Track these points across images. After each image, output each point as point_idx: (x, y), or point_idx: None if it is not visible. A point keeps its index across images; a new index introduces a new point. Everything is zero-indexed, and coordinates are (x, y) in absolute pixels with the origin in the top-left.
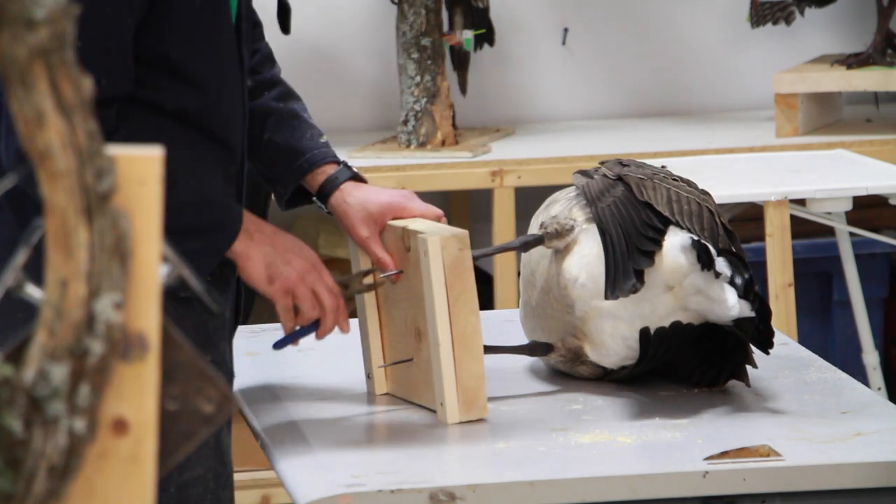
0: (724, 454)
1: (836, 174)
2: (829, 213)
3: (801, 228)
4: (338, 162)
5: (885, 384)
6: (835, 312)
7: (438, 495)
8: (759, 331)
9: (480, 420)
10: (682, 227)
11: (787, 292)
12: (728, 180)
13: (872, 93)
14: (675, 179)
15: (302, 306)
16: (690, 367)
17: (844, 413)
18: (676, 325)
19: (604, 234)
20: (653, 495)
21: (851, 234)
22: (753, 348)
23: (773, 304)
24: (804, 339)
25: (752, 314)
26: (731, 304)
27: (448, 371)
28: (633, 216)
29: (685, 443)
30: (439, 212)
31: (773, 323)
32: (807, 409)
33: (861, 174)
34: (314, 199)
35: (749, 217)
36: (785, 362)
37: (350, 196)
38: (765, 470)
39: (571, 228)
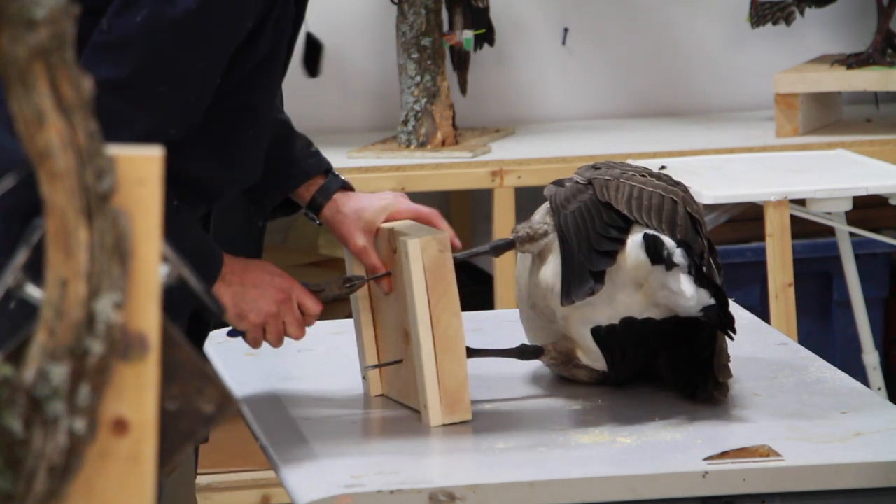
0: (723, 454)
1: (836, 174)
2: (829, 213)
3: (801, 228)
4: (326, 172)
5: (885, 384)
6: (835, 312)
7: (438, 496)
8: (720, 318)
9: (466, 422)
10: (640, 224)
11: (787, 292)
12: (728, 180)
13: (872, 93)
14: (643, 176)
15: (269, 339)
16: (671, 376)
17: (844, 413)
18: (627, 321)
19: (563, 241)
20: (653, 495)
21: (851, 234)
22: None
23: (773, 304)
24: (804, 339)
25: (712, 301)
26: (689, 296)
27: (430, 373)
28: (596, 218)
29: (685, 443)
30: (431, 210)
31: (773, 323)
32: (807, 409)
33: (861, 174)
34: (305, 211)
35: (749, 217)
36: (785, 362)
37: (344, 206)
38: (765, 470)
39: (545, 233)
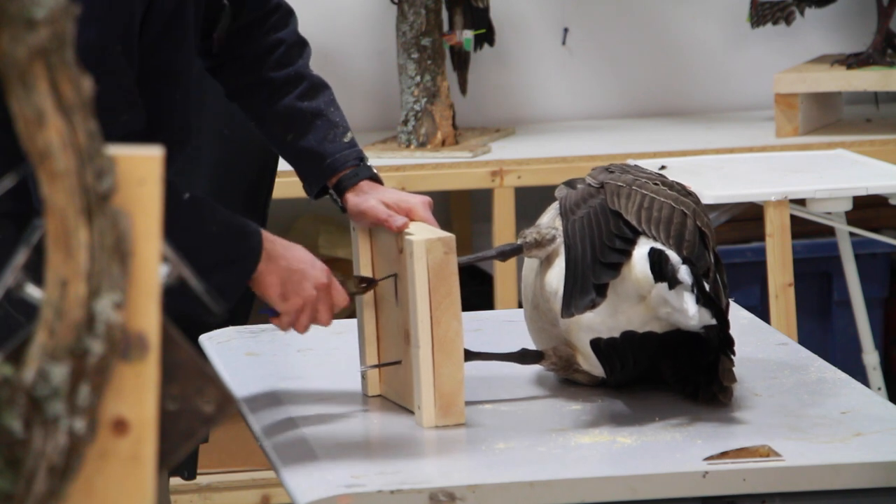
0: (724, 454)
1: (836, 174)
2: (829, 213)
3: (801, 228)
4: (358, 164)
5: (885, 384)
6: (835, 312)
7: (438, 496)
8: (719, 339)
9: (459, 425)
10: (648, 236)
11: (787, 292)
12: (728, 180)
13: (872, 93)
14: (656, 184)
15: (298, 326)
16: (673, 379)
17: (844, 413)
18: (628, 335)
19: (568, 249)
20: (653, 495)
21: (851, 234)
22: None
23: (773, 304)
24: (804, 339)
25: (713, 321)
26: (691, 314)
27: (426, 374)
28: (603, 227)
29: (685, 443)
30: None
31: (773, 323)
32: (807, 409)
33: (861, 174)
34: (330, 192)
35: (749, 217)
36: (785, 362)
37: (368, 191)
38: (765, 470)
39: (553, 238)
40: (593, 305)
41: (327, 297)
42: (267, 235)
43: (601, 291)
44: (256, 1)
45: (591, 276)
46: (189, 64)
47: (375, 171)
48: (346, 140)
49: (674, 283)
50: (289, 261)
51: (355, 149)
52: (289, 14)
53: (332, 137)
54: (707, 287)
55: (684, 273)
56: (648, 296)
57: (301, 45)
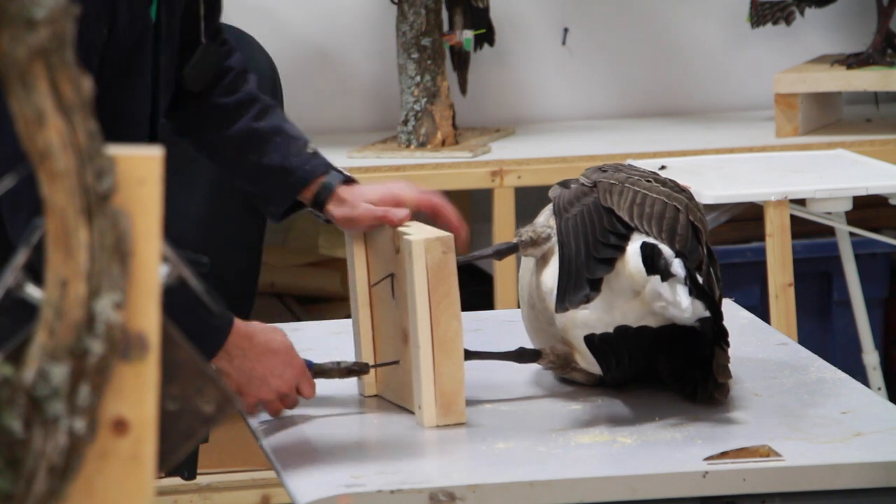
0: (724, 454)
1: (836, 174)
2: (829, 213)
3: (801, 228)
4: (327, 171)
5: (885, 384)
6: (835, 312)
7: (438, 495)
8: (713, 331)
9: (460, 424)
10: (641, 231)
11: (787, 292)
12: (728, 180)
13: (872, 93)
14: (648, 181)
15: (269, 412)
16: (670, 377)
17: (844, 413)
18: (622, 330)
19: (561, 246)
20: (653, 495)
21: (851, 234)
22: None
23: (773, 304)
24: (804, 339)
25: (708, 314)
26: (684, 306)
27: (427, 374)
28: (597, 224)
29: (685, 443)
30: (439, 199)
31: (773, 323)
32: (807, 410)
33: (861, 174)
34: (310, 209)
35: (749, 217)
36: (785, 362)
37: (348, 196)
38: (765, 470)
39: (548, 237)
40: (587, 300)
41: (289, 397)
42: (239, 339)
43: (595, 286)
44: (211, 34)
45: (584, 272)
46: (143, 104)
47: (346, 173)
48: (310, 151)
49: (666, 275)
50: (253, 364)
51: (320, 158)
52: (234, 49)
53: (296, 151)
54: (700, 280)
55: (677, 266)
56: (643, 291)
57: (246, 73)
